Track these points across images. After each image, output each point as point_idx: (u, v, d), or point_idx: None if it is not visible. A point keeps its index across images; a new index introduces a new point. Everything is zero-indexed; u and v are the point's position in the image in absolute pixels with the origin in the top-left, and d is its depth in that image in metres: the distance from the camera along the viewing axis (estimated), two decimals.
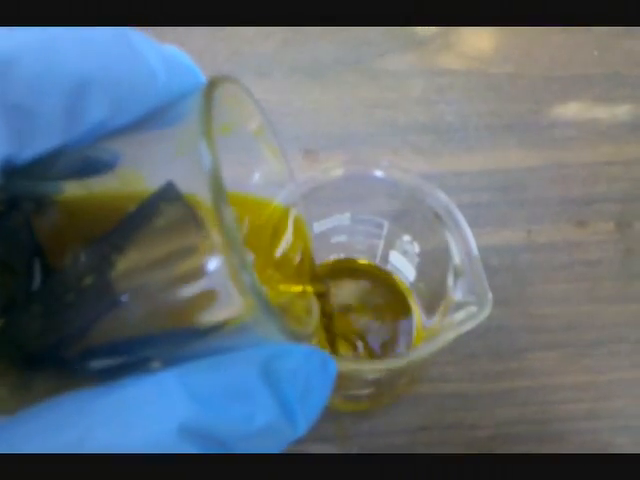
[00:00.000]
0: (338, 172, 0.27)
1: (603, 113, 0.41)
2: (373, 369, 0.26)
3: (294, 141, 0.40)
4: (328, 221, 0.31)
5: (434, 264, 0.29)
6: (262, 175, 0.20)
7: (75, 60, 0.14)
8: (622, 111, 0.41)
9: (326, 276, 0.33)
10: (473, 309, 0.25)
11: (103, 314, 0.15)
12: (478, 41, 0.44)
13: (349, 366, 0.25)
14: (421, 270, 0.31)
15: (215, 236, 0.14)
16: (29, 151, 0.14)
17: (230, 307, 0.15)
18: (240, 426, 0.15)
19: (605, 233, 0.37)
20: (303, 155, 0.40)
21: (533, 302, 0.36)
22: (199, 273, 0.15)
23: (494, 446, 0.33)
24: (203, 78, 0.18)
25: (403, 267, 0.33)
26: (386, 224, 0.31)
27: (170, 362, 0.15)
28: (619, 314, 0.35)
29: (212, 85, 0.16)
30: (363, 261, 0.34)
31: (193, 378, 0.15)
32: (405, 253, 0.32)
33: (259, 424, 0.15)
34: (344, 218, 0.31)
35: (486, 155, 0.40)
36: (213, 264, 0.15)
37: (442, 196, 0.27)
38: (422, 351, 0.24)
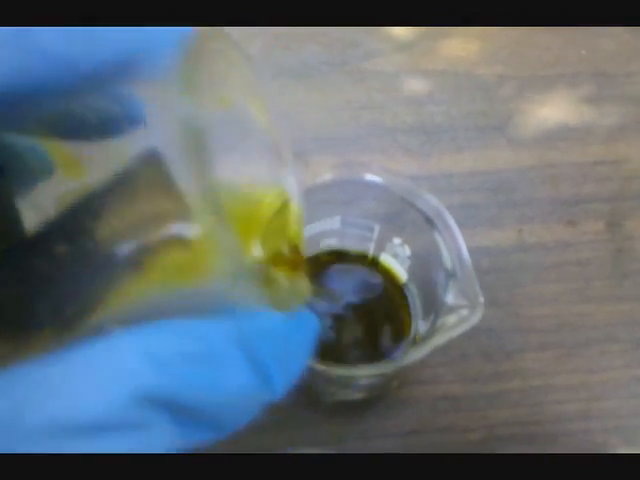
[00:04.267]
0: (328, 176, 0.27)
1: (591, 113, 0.41)
2: (364, 374, 0.26)
3: None
4: (318, 225, 0.31)
5: (425, 267, 0.29)
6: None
7: None
8: (610, 111, 0.41)
9: (317, 271, 0.33)
10: (464, 312, 0.25)
11: (73, 278, 0.15)
12: (465, 42, 0.44)
13: (340, 372, 0.25)
14: (412, 272, 0.31)
15: (193, 191, 0.13)
16: None
17: (204, 269, 0.15)
18: (208, 391, 0.14)
19: (595, 233, 0.37)
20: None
21: (524, 303, 0.36)
22: (173, 236, 0.14)
23: (486, 448, 0.33)
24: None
25: (394, 269, 0.32)
26: (377, 227, 0.31)
27: (133, 325, 0.14)
28: (610, 314, 0.35)
29: (202, 38, 0.14)
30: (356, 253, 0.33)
31: (153, 341, 0.14)
32: (396, 256, 0.31)
33: (230, 388, 0.14)
34: (334, 222, 0.31)
35: (476, 156, 0.40)
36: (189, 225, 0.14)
37: (433, 199, 0.27)
38: (414, 356, 0.24)
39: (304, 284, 0.19)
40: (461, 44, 0.44)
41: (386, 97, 0.42)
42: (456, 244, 0.26)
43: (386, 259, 0.32)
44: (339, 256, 0.33)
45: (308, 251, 0.32)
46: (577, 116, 0.41)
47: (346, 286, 0.33)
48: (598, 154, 0.40)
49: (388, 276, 0.33)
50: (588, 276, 0.36)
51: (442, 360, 0.34)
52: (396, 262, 0.32)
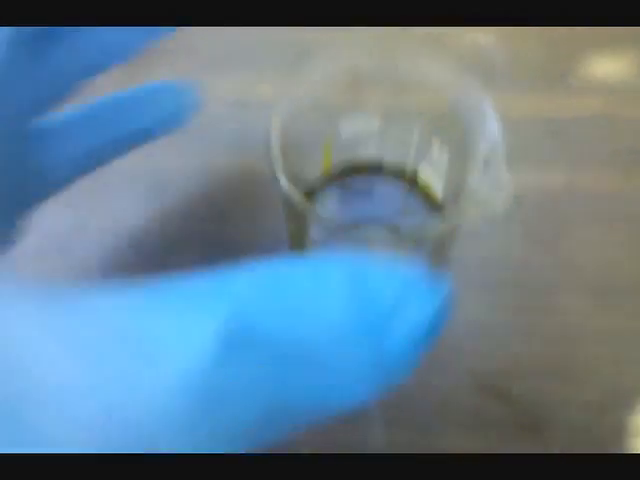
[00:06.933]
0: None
1: None
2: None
3: None
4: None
5: (459, 166, 0.28)
6: None
7: None
8: None
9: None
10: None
11: None
12: None
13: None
14: (447, 179, 0.30)
15: None
16: None
17: None
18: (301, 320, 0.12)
19: None
20: None
21: (568, 245, 0.34)
22: None
23: (509, 378, 0.31)
24: None
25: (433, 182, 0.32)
26: (416, 129, 0.30)
27: None
28: None
29: None
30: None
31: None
32: (434, 164, 0.31)
33: (325, 321, 0.12)
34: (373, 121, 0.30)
35: (536, 99, 0.39)
36: None
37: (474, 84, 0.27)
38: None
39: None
40: None
41: (449, 40, 0.42)
42: (491, 131, 0.25)
43: (425, 172, 0.32)
44: (376, 170, 0.33)
45: (342, 160, 0.32)
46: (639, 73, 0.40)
47: (384, 206, 0.33)
48: None
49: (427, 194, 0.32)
50: (634, 227, 0.35)
51: (475, 285, 0.33)
52: (435, 176, 0.31)
